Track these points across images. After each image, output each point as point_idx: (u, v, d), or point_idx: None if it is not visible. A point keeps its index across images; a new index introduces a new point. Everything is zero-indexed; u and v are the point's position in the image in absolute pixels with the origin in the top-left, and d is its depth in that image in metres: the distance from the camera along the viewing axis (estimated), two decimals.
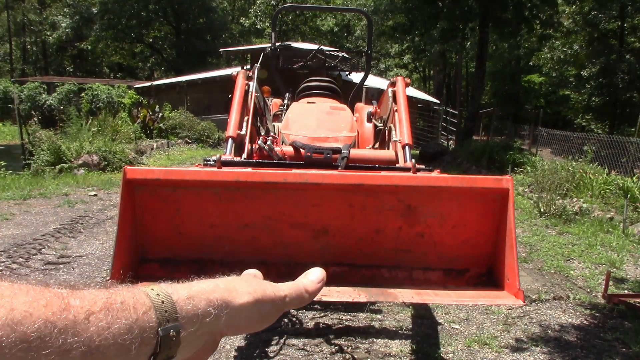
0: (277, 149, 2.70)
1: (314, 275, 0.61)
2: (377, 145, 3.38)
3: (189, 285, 0.49)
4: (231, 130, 2.51)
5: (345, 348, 3.15)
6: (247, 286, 0.53)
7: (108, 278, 1.44)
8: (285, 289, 0.57)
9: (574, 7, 18.68)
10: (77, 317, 0.38)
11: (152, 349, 0.43)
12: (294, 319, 3.54)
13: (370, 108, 3.75)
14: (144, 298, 0.43)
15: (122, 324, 0.40)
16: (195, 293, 0.47)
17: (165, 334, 0.43)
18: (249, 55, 20.92)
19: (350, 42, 35.57)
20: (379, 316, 3.67)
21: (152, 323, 0.42)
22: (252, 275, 0.60)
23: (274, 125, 3.54)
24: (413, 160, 2.15)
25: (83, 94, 18.64)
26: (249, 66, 17.27)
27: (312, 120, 3.17)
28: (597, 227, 6.33)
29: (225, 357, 3.02)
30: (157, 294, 0.44)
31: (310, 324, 3.49)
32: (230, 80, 2.99)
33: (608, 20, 20.43)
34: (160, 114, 16.12)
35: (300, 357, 3.04)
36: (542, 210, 7.04)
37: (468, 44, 19.43)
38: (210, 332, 0.49)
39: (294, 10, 28.15)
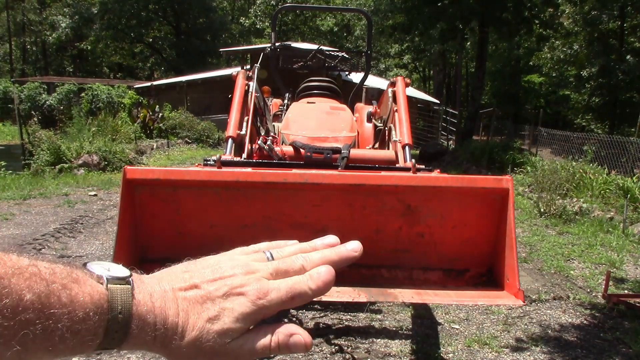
0: (277, 149, 2.70)
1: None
2: (377, 145, 3.38)
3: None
4: (231, 130, 2.51)
5: (345, 348, 3.15)
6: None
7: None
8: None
9: (574, 7, 18.67)
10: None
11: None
12: (294, 319, 3.54)
13: (370, 108, 3.75)
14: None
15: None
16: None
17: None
18: (249, 55, 20.92)
19: (350, 42, 35.57)
20: (379, 316, 3.67)
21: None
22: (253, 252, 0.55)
23: (274, 125, 3.54)
24: (413, 160, 2.15)
25: (83, 94, 18.64)
26: (249, 66, 17.28)
27: (312, 120, 3.17)
28: (597, 227, 6.33)
29: None
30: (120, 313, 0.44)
31: (310, 324, 3.49)
32: (230, 80, 2.99)
33: (608, 20, 20.43)
34: (160, 114, 16.12)
35: (300, 357, 3.04)
36: (542, 210, 7.04)
37: (468, 44, 19.43)
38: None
39: (294, 10, 28.15)
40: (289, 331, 0.50)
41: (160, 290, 0.47)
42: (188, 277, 0.50)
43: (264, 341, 0.49)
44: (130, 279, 0.46)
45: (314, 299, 0.55)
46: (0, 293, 0.37)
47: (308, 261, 0.53)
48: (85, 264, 0.46)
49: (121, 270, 0.46)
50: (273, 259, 0.53)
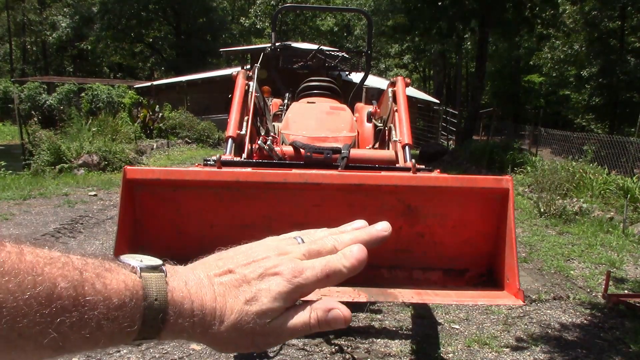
0: (277, 149, 2.69)
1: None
2: (377, 145, 3.38)
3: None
4: (231, 130, 2.51)
5: (345, 348, 3.15)
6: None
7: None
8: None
9: (575, 6, 18.66)
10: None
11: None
12: None
13: (370, 108, 3.75)
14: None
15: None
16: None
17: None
18: (249, 55, 20.91)
19: (350, 42, 35.58)
20: (379, 316, 3.67)
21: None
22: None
23: (274, 125, 3.53)
24: (413, 160, 2.14)
25: (83, 94, 18.64)
26: (249, 66, 17.28)
27: (312, 120, 3.17)
28: (597, 227, 6.33)
29: (225, 357, 3.02)
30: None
31: None
32: (230, 80, 2.98)
33: (608, 20, 20.43)
34: (160, 114, 16.12)
35: (300, 357, 3.04)
36: (542, 210, 7.04)
37: (468, 43, 19.42)
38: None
39: (294, 10, 28.15)
40: (326, 306, 0.50)
41: (194, 278, 0.48)
42: (222, 264, 0.51)
43: (303, 318, 0.49)
44: (162, 268, 0.47)
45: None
46: (35, 281, 0.37)
47: (339, 242, 0.54)
48: (116, 257, 0.47)
49: (153, 260, 0.47)
50: (304, 242, 0.54)
